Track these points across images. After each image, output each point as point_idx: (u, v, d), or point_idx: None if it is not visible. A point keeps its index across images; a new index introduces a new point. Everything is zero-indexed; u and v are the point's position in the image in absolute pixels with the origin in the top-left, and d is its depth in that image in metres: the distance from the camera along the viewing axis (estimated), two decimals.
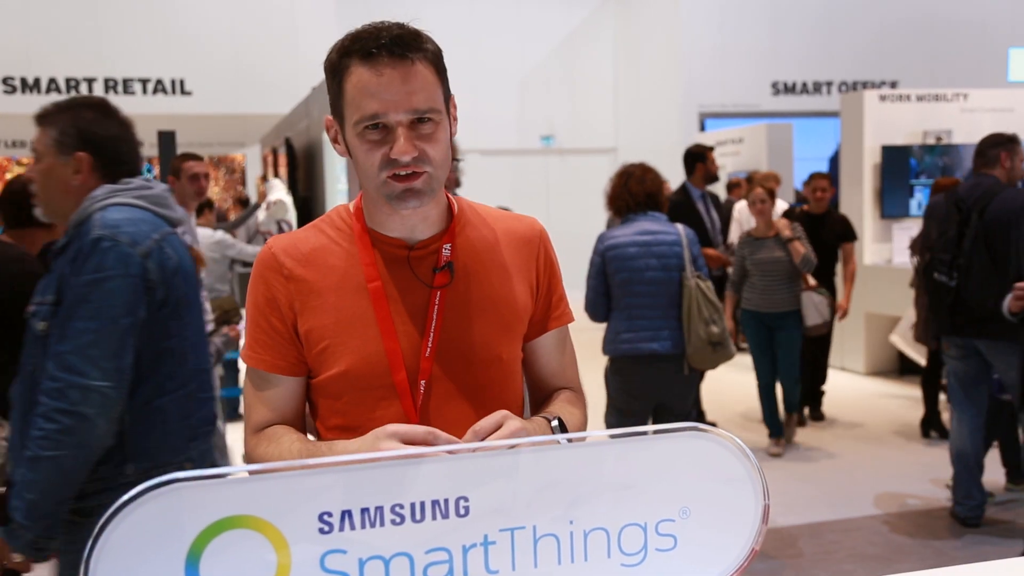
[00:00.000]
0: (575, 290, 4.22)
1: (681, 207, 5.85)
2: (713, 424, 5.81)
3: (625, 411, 4.05)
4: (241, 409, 3.37)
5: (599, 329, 4.17)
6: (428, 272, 1.46)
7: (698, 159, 5.98)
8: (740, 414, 6.52)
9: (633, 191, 3.97)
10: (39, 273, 3.25)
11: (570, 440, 1.25)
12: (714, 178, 6.09)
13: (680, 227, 4.01)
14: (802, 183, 7.78)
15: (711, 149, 6.22)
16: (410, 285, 1.45)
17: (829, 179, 6.38)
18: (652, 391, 4.00)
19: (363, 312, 1.43)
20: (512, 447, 1.20)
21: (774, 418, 5.71)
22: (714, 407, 6.39)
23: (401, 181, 1.37)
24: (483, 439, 1.28)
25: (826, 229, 6.13)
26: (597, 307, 4.02)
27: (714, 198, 6.16)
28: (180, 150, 4.81)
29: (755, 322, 5.59)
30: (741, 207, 7.14)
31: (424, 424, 1.41)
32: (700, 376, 4.35)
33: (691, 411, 4.25)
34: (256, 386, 1.48)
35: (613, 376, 4.06)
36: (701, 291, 3.90)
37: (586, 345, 4.27)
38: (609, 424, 4.20)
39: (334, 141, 1.47)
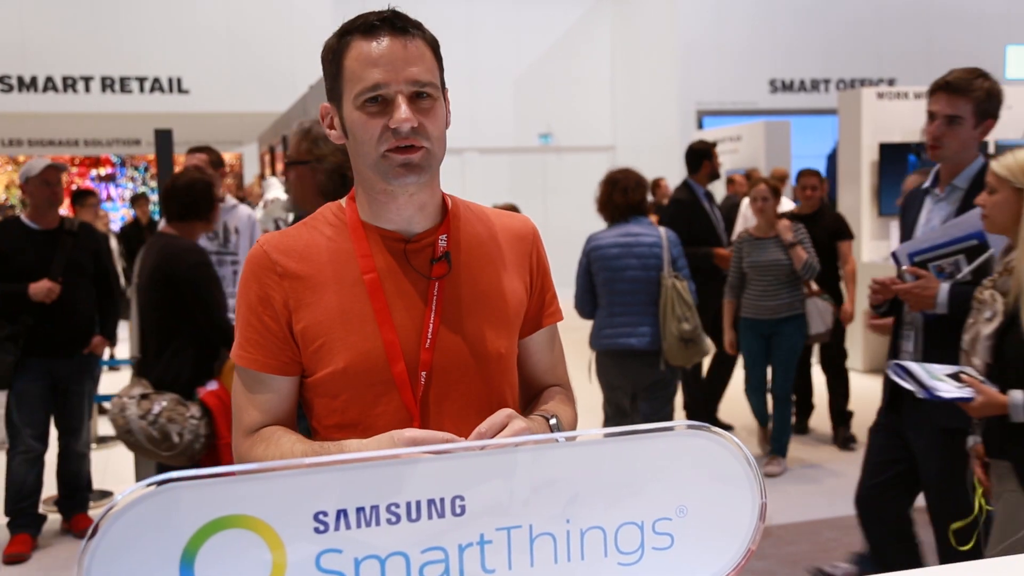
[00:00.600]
0: (572, 288, 4.33)
1: (686, 206, 5.71)
2: (730, 427, 5.73)
3: (608, 401, 4.35)
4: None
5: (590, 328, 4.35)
6: (425, 264, 1.45)
7: (704, 156, 5.79)
8: (750, 423, 6.46)
9: (617, 203, 4.21)
10: (209, 263, 3.48)
11: (569, 439, 1.24)
12: (717, 175, 5.92)
13: (662, 229, 4.25)
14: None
15: (714, 145, 6.08)
16: (408, 277, 1.44)
17: (819, 176, 6.03)
18: (629, 384, 4.26)
19: (360, 306, 1.42)
20: (515, 446, 1.19)
21: (763, 410, 5.52)
22: (728, 413, 6.33)
23: (400, 154, 1.37)
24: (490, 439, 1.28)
25: (819, 228, 5.68)
26: (584, 304, 4.32)
27: (710, 196, 6.06)
28: (177, 149, 4.82)
29: (752, 331, 5.23)
30: (748, 204, 6.96)
31: (424, 417, 1.42)
32: (679, 374, 4.42)
33: (670, 405, 4.36)
34: (247, 387, 1.47)
35: (597, 368, 4.33)
36: (677, 291, 4.13)
37: (578, 343, 4.36)
38: (606, 415, 4.45)
39: (330, 127, 1.47)
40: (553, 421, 1.47)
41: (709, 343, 4.24)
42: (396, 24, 1.38)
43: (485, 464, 1.16)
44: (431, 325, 1.43)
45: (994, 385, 2.35)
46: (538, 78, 13.90)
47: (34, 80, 11.22)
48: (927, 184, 2.94)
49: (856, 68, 12.79)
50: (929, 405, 2.68)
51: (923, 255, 2.79)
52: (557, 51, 13.98)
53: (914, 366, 2.54)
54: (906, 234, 2.94)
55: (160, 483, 1.03)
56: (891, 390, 2.94)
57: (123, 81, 11.45)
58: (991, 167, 2.40)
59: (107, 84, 11.41)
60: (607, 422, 4.47)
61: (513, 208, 5.17)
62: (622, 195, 4.18)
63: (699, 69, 12.37)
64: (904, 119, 8.03)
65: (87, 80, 11.34)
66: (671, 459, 1.22)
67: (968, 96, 2.76)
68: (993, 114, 2.80)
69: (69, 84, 11.30)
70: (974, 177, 2.77)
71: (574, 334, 4.20)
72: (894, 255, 2.89)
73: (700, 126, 12.23)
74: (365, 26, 1.38)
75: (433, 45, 1.43)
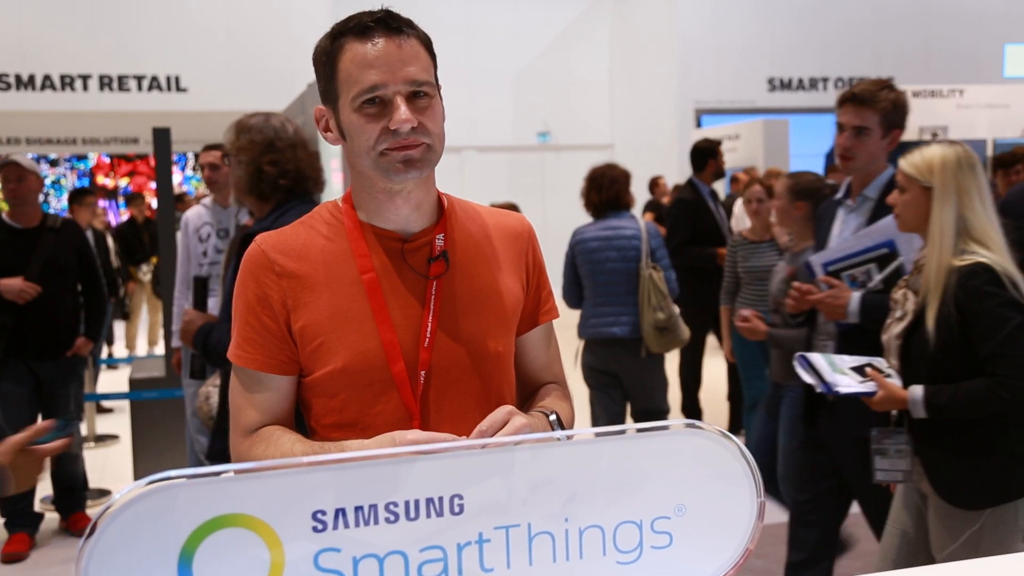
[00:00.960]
0: None
1: (690, 205, 5.67)
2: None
3: (593, 388, 4.50)
4: None
5: None
6: (423, 263, 1.45)
7: (709, 154, 5.74)
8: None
9: (593, 200, 4.42)
10: None
11: (570, 437, 1.24)
12: (722, 174, 5.85)
13: (642, 222, 4.43)
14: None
15: (719, 143, 6.01)
16: (405, 277, 1.44)
17: None
18: (612, 371, 4.40)
19: (358, 306, 1.41)
20: (516, 443, 1.19)
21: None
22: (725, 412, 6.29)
23: (400, 151, 1.37)
24: (492, 437, 1.28)
25: None
26: (570, 295, 4.53)
27: (714, 194, 5.97)
28: (175, 147, 4.80)
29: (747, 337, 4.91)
30: (740, 205, 6.86)
31: (424, 416, 1.42)
32: (663, 364, 4.48)
33: (659, 397, 4.42)
34: (245, 387, 1.46)
35: (583, 357, 4.50)
36: (653, 281, 4.29)
37: (573, 340, 4.39)
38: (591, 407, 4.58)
39: (325, 130, 1.46)
40: (553, 417, 1.47)
41: (686, 331, 4.40)
42: (390, 24, 1.38)
43: (483, 463, 1.16)
44: (429, 324, 1.43)
45: (900, 380, 2.35)
46: (536, 77, 13.89)
47: (32, 78, 11.20)
48: (840, 195, 2.97)
49: (855, 67, 12.78)
50: (845, 417, 2.69)
51: (836, 265, 2.81)
52: (555, 49, 13.97)
53: (818, 359, 2.53)
54: (820, 244, 2.97)
55: (158, 482, 1.03)
56: (808, 403, 2.92)
57: (121, 79, 11.43)
58: (900, 166, 2.39)
59: (105, 82, 11.39)
60: (592, 413, 4.57)
61: (513, 207, 5.15)
62: (597, 193, 4.39)
63: (698, 67, 12.37)
64: None
65: (85, 78, 11.32)
66: (670, 458, 1.22)
67: (874, 107, 2.77)
68: (899, 124, 2.80)
69: (67, 82, 11.28)
70: (884, 187, 2.78)
71: (568, 331, 4.21)
72: (808, 265, 2.90)
73: (698, 124, 12.23)
74: (359, 27, 1.38)
75: (426, 43, 1.42)
